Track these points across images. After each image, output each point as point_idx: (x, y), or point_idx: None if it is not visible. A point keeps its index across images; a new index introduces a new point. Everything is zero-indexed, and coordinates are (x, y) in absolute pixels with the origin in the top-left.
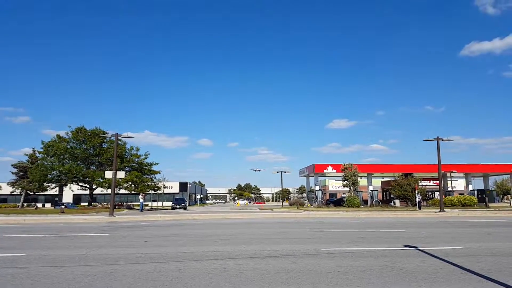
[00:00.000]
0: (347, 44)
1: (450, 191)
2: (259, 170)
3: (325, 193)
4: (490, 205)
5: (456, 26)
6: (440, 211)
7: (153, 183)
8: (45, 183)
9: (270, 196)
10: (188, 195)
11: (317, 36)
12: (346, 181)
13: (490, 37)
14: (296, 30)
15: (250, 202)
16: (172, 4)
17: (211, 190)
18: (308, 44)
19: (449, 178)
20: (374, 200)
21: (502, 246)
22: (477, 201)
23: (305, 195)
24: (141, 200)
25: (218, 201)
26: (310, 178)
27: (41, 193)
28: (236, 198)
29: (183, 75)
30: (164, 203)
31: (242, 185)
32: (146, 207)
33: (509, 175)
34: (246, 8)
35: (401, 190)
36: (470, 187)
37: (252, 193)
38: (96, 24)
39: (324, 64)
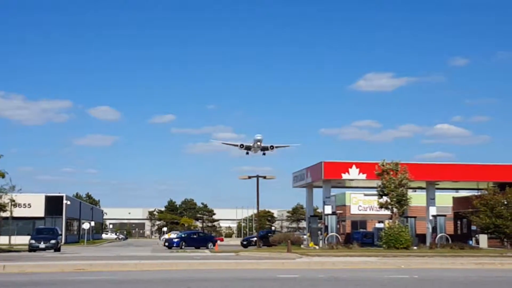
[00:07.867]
0: None
1: None
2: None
3: (344, 220)
4: None
5: None
6: None
7: None
8: None
9: (235, 225)
10: (65, 223)
11: None
12: (385, 197)
13: None
14: None
15: None
16: None
17: (113, 213)
18: None
19: None
20: (439, 234)
21: None
22: None
23: (303, 224)
24: None
25: (121, 237)
26: (314, 189)
27: None
28: (165, 228)
29: None
30: (15, 237)
31: (178, 203)
32: None
33: None
34: None
35: (492, 215)
36: None
37: (198, 218)
38: None
39: None
